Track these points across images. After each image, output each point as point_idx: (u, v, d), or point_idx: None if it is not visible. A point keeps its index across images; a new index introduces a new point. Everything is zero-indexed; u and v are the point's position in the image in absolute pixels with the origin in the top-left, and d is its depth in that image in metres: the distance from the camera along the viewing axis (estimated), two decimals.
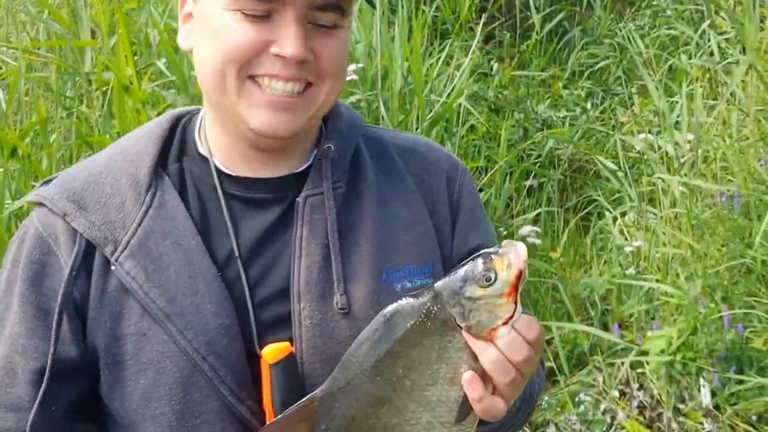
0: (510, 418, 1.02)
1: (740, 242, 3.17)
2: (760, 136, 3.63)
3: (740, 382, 2.61)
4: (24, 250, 0.99)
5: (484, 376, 0.85)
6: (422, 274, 1.04)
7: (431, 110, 3.36)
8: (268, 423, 0.94)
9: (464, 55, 4.14)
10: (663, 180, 3.59)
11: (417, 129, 3.16)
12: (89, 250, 0.97)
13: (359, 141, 1.10)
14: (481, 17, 4.81)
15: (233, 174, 1.03)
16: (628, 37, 5.02)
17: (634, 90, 4.79)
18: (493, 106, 4.42)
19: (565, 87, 4.98)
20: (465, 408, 0.86)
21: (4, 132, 2.04)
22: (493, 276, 0.83)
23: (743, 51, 4.11)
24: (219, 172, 1.02)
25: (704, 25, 4.72)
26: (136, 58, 2.48)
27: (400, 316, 0.85)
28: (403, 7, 3.63)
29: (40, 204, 1.01)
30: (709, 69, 4.37)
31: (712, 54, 4.43)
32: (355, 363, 0.86)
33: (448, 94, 3.64)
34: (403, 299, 0.86)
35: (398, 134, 1.18)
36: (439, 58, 4.00)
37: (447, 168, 1.13)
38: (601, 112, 4.80)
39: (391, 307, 0.85)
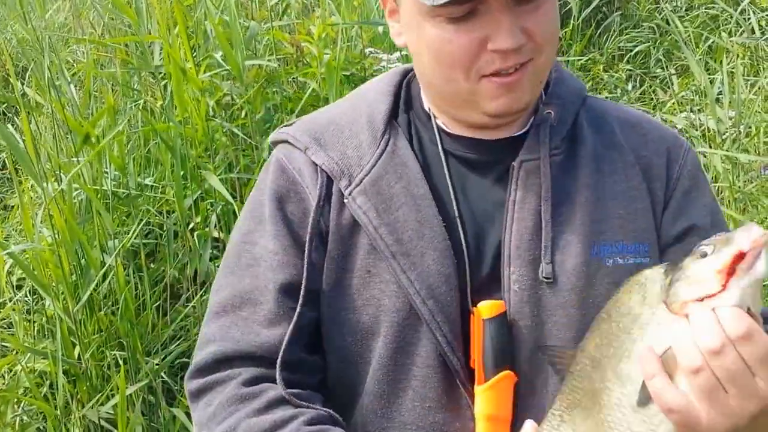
0: None
1: None
2: None
3: None
4: (269, 176, 1.04)
5: (672, 363, 0.76)
6: (636, 252, 0.99)
7: None
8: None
9: None
10: (705, 156, 3.61)
11: None
12: (329, 183, 1.01)
13: (580, 109, 1.05)
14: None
15: (452, 133, 1.03)
16: (667, 20, 5.02)
17: (672, 70, 4.80)
18: None
19: (604, 70, 5.00)
20: (644, 391, 0.77)
21: (78, 121, 2.21)
22: (709, 251, 0.76)
23: None
24: (440, 129, 1.04)
25: (744, 3, 4.71)
26: (194, 53, 2.61)
27: (637, 284, 0.81)
28: None
29: (283, 142, 1.06)
30: (749, 46, 4.36)
31: (753, 32, 4.43)
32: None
33: None
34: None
35: (623, 108, 1.11)
36: None
37: (669, 146, 1.05)
38: (642, 94, 4.81)
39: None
